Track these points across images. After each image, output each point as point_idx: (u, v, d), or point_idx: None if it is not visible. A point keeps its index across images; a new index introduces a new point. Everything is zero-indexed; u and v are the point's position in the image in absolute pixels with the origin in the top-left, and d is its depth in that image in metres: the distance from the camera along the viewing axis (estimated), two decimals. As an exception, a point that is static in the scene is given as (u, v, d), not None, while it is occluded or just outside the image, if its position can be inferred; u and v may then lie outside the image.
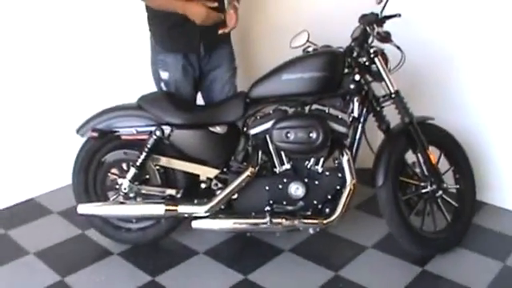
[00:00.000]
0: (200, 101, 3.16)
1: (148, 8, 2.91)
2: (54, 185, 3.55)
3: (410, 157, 2.88)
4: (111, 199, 2.94)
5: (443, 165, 2.94)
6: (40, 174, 3.55)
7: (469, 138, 3.18)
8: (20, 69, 3.38)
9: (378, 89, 2.80)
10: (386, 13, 2.70)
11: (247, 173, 2.71)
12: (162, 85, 2.98)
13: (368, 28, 2.67)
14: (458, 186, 2.99)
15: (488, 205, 3.37)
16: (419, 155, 2.84)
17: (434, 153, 2.87)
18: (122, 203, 2.84)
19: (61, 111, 3.52)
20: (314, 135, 2.60)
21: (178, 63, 2.92)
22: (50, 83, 3.49)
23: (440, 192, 2.86)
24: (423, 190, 2.86)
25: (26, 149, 3.48)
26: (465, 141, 3.01)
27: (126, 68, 3.60)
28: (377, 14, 2.69)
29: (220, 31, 2.86)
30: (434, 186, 2.85)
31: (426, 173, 2.86)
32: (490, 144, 3.30)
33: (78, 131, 2.86)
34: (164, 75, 2.95)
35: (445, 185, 2.87)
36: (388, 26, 2.74)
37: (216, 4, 2.82)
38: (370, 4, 2.72)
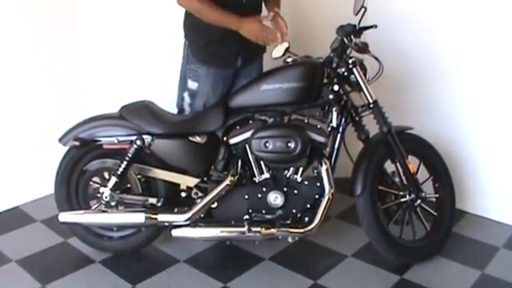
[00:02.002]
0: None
1: (187, 18, 2.86)
2: (38, 193, 3.56)
3: (390, 166, 2.91)
4: (93, 208, 2.96)
5: (423, 174, 2.97)
6: (24, 183, 3.56)
7: (448, 147, 3.21)
8: (3, 78, 3.39)
9: (357, 99, 2.84)
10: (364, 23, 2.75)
11: (227, 182, 2.74)
12: (186, 94, 2.95)
13: (345, 39, 2.71)
14: (437, 195, 3.01)
15: (468, 213, 3.40)
16: (398, 164, 2.87)
17: (413, 162, 2.90)
18: (103, 212, 2.87)
19: (44, 120, 3.53)
20: (292, 145, 2.63)
21: (209, 76, 2.87)
22: (34, 92, 3.50)
23: (419, 201, 2.89)
24: (402, 199, 2.89)
25: (10, 157, 3.49)
26: (444, 150, 3.04)
27: (108, 78, 3.63)
28: (354, 25, 2.73)
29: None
30: (413, 195, 2.87)
31: (404, 182, 2.89)
32: (469, 153, 3.33)
33: (60, 140, 2.88)
34: (192, 85, 2.91)
35: (424, 194, 2.89)
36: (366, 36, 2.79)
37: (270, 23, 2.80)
38: (349, 15, 2.76)
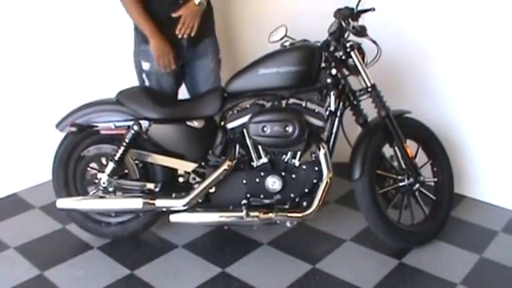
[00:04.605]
0: (184, 94, 3.17)
1: None
2: (36, 180, 3.56)
3: (388, 150, 2.90)
4: (91, 194, 2.95)
5: (421, 158, 2.96)
6: (22, 170, 3.56)
7: (447, 131, 3.21)
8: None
9: (355, 83, 2.82)
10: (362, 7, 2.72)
11: (224, 166, 2.73)
12: (144, 76, 2.99)
13: (343, 22, 2.69)
14: (435, 179, 3.01)
15: (466, 198, 3.39)
16: (396, 149, 2.86)
17: (411, 146, 2.89)
18: (101, 197, 2.86)
19: (41, 106, 3.51)
20: (290, 129, 2.62)
21: None
22: (30, 79, 3.48)
23: (417, 185, 2.88)
24: (400, 184, 2.88)
25: (7, 145, 3.49)
26: (443, 134, 3.03)
27: (105, 63, 3.60)
28: (352, 9, 2.71)
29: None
30: (411, 180, 2.87)
31: (403, 166, 2.88)
32: (468, 137, 3.32)
33: (57, 126, 2.87)
34: (146, 66, 2.95)
35: (422, 178, 2.89)
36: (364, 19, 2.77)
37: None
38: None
